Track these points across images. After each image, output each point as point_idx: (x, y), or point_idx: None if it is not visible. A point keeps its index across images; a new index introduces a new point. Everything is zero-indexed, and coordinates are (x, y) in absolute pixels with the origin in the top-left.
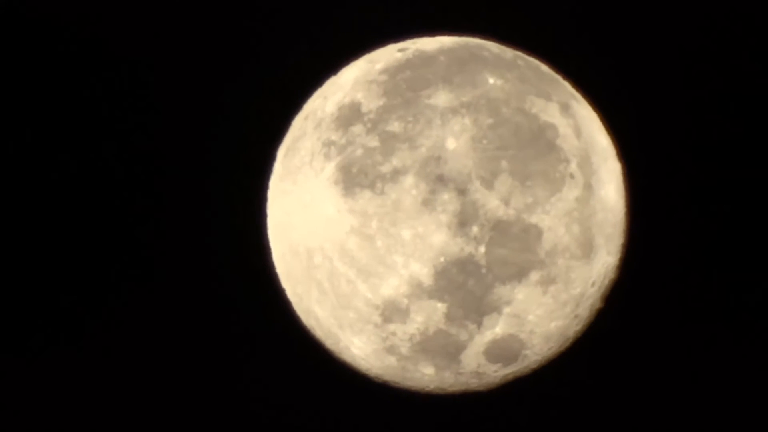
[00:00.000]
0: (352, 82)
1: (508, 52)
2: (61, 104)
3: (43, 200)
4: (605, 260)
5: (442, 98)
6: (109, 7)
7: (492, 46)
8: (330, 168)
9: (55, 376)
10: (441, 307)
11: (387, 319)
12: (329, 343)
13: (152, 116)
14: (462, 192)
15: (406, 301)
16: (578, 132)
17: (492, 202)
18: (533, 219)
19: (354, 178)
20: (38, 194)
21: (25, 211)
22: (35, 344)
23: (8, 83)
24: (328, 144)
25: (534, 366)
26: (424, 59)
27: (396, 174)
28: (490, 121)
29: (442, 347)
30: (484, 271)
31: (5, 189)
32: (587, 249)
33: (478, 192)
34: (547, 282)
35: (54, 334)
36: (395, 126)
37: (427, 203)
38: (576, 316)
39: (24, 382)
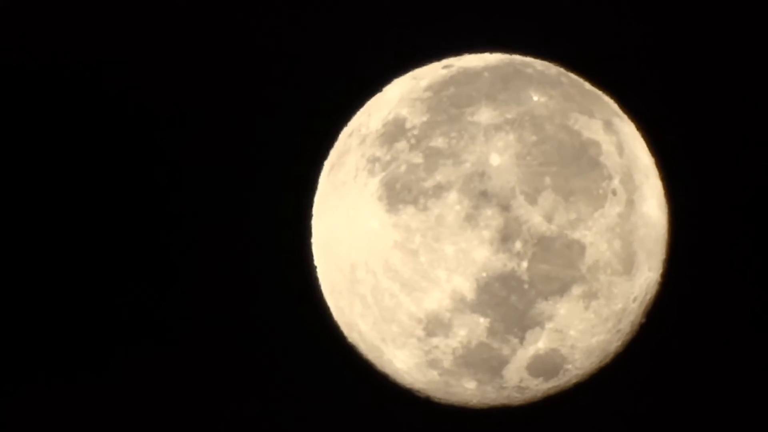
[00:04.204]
0: (396, 99)
1: (552, 69)
2: (103, 124)
3: (82, 215)
4: (647, 276)
5: (486, 115)
6: (159, 15)
7: (536, 63)
8: (374, 183)
9: (95, 394)
10: (483, 321)
11: (430, 332)
12: (372, 356)
13: (197, 133)
14: (505, 208)
15: (448, 315)
16: (621, 149)
17: (535, 218)
18: (576, 235)
19: (398, 194)
20: (79, 209)
21: (64, 226)
22: (81, 362)
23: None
24: (373, 160)
25: (576, 380)
26: (469, 76)
27: (439, 189)
28: (533, 137)
29: (484, 361)
30: (526, 286)
31: (51, 203)
32: (629, 265)
33: (521, 208)
34: (589, 297)
35: (96, 352)
36: (439, 142)
37: (470, 219)
38: (618, 332)
39: (74, 395)
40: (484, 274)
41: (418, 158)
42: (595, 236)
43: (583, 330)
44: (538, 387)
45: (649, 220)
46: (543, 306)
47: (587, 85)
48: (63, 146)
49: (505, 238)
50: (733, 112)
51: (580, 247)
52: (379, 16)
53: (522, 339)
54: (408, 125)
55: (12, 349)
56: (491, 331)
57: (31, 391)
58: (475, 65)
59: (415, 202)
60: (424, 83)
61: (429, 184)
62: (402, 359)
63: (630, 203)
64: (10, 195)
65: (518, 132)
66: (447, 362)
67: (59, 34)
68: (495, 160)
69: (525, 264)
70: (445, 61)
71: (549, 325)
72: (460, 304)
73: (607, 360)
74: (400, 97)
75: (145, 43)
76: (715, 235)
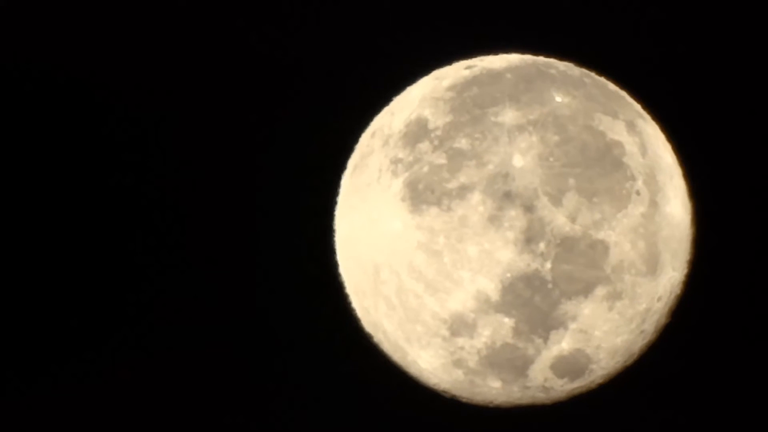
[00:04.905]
0: (419, 99)
1: (574, 70)
2: (129, 123)
3: (111, 220)
4: (671, 276)
5: (509, 116)
6: (184, 17)
7: (559, 64)
8: (397, 185)
9: (123, 391)
10: (508, 321)
11: (454, 332)
12: (397, 357)
13: (220, 134)
14: (529, 209)
15: (473, 315)
16: (644, 150)
17: (559, 219)
18: (600, 235)
19: (421, 195)
20: (106, 216)
21: (85, 229)
22: (106, 352)
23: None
24: (396, 161)
25: (600, 380)
26: (492, 77)
27: (463, 190)
28: (557, 138)
29: (509, 361)
30: (550, 286)
31: (62, 208)
32: (653, 265)
33: (545, 209)
34: (613, 297)
35: (127, 352)
36: (462, 143)
37: (494, 220)
38: (642, 332)
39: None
40: (508, 275)
41: (441, 159)
42: (619, 236)
43: (607, 330)
44: (563, 387)
45: (673, 220)
46: (567, 306)
47: (610, 86)
48: (70, 146)
49: (529, 238)
50: (757, 113)
51: (604, 248)
52: (401, 17)
53: (546, 339)
54: (431, 126)
55: (13, 349)
56: (516, 332)
57: (37, 391)
58: (497, 66)
59: (438, 203)
60: (446, 83)
61: (452, 185)
62: (427, 359)
63: (653, 203)
64: (10, 195)
65: (541, 133)
66: (472, 362)
67: (60, 35)
68: (518, 161)
69: (549, 264)
70: (467, 62)
71: (573, 326)
72: (485, 305)
73: (632, 360)
74: (423, 97)
75: (165, 43)
76: (738, 235)
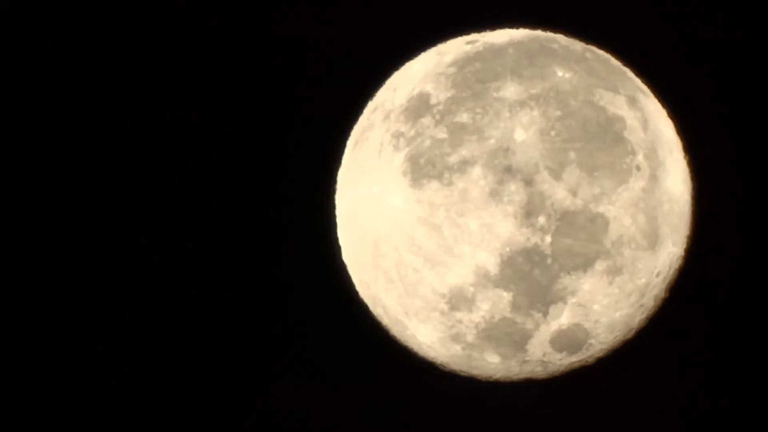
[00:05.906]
0: (421, 74)
1: (577, 45)
2: (128, 122)
3: (121, 204)
4: (670, 251)
5: (510, 90)
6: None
7: (561, 39)
8: (398, 159)
9: (123, 390)
10: (507, 296)
11: (453, 307)
12: (396, 330)
13: (221, 108)
14: (529, 183)
15: (472, 289)
16: (645, 124)
17: (559, 193)
18: (600, 209)
19: (422, 169)
20: (117, 207)
21: (86, 229)
22: (121, 341)
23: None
24: (397, 135)
25: (598, 355)
26: (494, 52)
27: (464, 165)
28: (558, 113)
29: (507, 335)
30: (549, 261)
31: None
32: (653, 239)
33: (545, 183)
34: (612, 272)
35: (127, 352)
36: (464, 117)
37: (495, 194)
38: (641, 306)
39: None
40: (508, 249)
41: (442, 133)
42: (619, 211)
43: (606, 305)
44: (562, 361)
45: (673, 195)
46: (566, 281)
47: (612, 61)
48: (69, 146)
49: (529, 212)
50: (758, 89)
51: (604, 222)
52: None
53: (545, 313)
54: (433, 101)
55: (13, 349)
56: (514, 306)
57: (37, 391)
58: (499, 41)
59: (439, 177)
60: (448, 59)
61: (453, 159)
62: (425, 333)
63: (654, 178)
64: (9, 195)
65: (543, 108)
66: (470, 336)
67: (60, 35)
68: (520, 135)
69: (548, 238)
70: (469, 37)
71: (572, 300)
72: (484, 279)
73: (630, 335)
74: (425, 72)
75: (165, 28)
76: (738, 211)
